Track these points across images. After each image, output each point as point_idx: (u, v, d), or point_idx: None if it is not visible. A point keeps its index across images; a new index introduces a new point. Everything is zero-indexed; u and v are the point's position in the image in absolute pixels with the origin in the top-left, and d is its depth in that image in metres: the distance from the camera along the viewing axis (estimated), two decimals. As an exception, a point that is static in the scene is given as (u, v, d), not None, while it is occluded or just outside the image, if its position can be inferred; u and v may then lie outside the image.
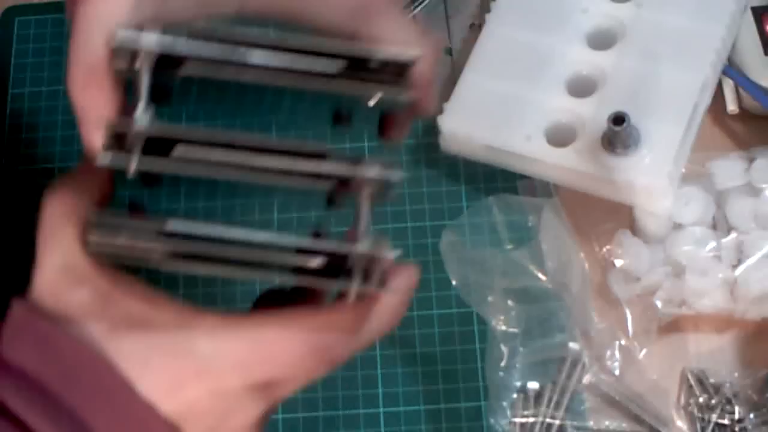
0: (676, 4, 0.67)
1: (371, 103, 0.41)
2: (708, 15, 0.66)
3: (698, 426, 0.61)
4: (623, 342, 0.63)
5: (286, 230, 0.40)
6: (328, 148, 0.40)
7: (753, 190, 0.65)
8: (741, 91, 0.68)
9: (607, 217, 0.66)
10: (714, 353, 0.64)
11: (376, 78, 0.41)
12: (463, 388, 0.64)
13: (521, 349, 0.63)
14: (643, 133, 0.62)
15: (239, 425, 0.40)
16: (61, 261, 0.39)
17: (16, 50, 0.77)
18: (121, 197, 0.42)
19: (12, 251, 0.70)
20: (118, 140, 0.39)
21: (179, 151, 0.39)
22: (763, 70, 0.67)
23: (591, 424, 0.62)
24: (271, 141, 0.40)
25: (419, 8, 0.75)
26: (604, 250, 0.66)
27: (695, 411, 0.62)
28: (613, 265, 0.65)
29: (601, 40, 0.68)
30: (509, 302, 0.64)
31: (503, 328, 0.63)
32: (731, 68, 0.67)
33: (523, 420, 0.62)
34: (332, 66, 0.41)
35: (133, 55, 0.40)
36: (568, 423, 0.62)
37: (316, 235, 0.41)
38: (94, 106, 0.40)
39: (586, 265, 0.65)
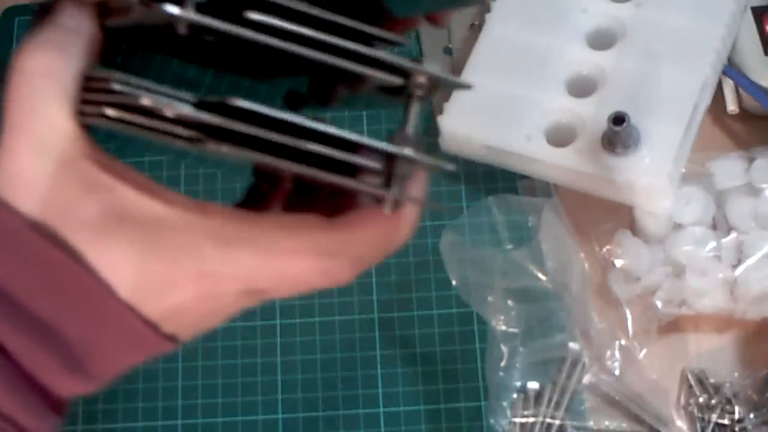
0: (676, 4, 0.67)
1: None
2: (708, 15, 0.66)
3: (698, 426, 0.61)
4: (623, 342, 0.63)
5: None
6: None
7: (753, 190, 0.65)
8: (741, 91, 0.68)
9: (607, 217, 0.66)
10: (714, 353, 0.64)
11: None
12: (463, 388, 0.64)
13: (521, 349, 0.63)
14: (643, 133, 0.62)
15: (218, 319, 0.37)
16: (42, 142, 0.33)
17: (15, 50, 0.77)
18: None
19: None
20: None
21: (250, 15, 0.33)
22: (763, 70, 0.67)
23: (591, 424, 0.62)
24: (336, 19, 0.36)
25: (419, 8, 0.75)
26: (604, 250, 0.66)
27: (695, 411, 0.62)
28: (613, 265, 0.65)
29: (601, 40, 0.68)
30: (509, 302, 0.64)
31: (503, 328, 0.63)
32: (731, 68, 0.67)
33: (523, 420, 0.62)
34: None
35: None
36: (568, 423, 0.62)
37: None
38: None
39: (586, 265, 0.65)
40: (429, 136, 0.71)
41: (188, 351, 0.67)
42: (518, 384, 0.63)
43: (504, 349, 0.63)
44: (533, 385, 0.63)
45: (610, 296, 0.64)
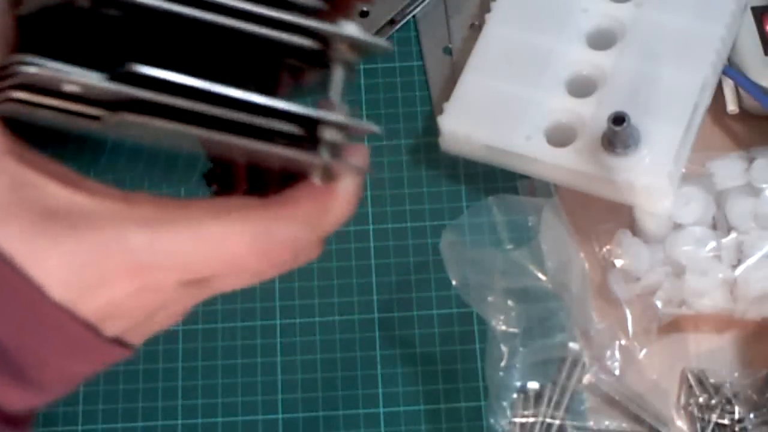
0: (676, 4, 0.67)
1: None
2: (708, 15, 0.66)
3: (698, 426, 0.61)
4: (623, 342, 0.63)
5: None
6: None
7: (753, 190, 0.65)
8: (741, 91, 0.68)
9: (607, 217, 0.66)
10: (714, 353, 0.64)
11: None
12: (463, 388, 0.64)
13: (521, 349, 0.63)
14: (643, 133, 0.62)
15: (168, 317, 0.36)
16: None
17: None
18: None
19: None
20: None
21: None
22: (763, 70, 0.67)
23: (591, 424, 0.62)
24: None
25: (419, 8, 0.75)
26: (604, 250, 0.65)
27: (695, 411, 0.62)
28: (613, 265, 0.65)
29: (601, 40, 0.68)
30: (509, 302, 0.63)
31: (503, 328, 0.63)
32: (731, 68, 0.67)
33: (523, 420, 0.62)
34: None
35: None
36: (568, 423, 0.62)
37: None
38: None
39: (586, 265, 0.65)
40: (429, 136, 0.71)
41: (188, 351, 0.67)
42: (518, 384, 0.63)
43: (504, 349, 0.63)
44: (533, 385, 0.63)
45: (610, 296, 0.64)
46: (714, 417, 0.61)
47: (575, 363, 0.63)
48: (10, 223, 0.32)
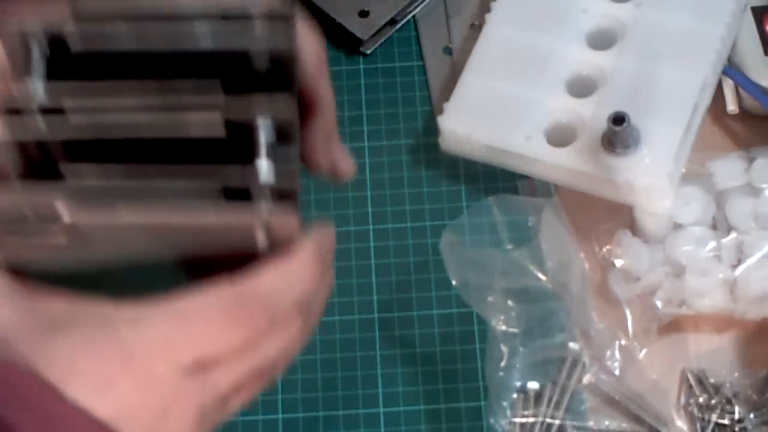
0: (676, 4, 0.67)
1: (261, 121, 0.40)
2: (708, 15, 0.66)
3: (698, 426, 0.61)
4: (623, 342, 0.63)
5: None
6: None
7: (753, 190, 0.65)
8: (741, 91, 0.68)
9: (607, 217, 0.66)
10: (714, 353, 0.64)
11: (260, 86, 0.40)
12: (463, 388, 0.64)
13: (521, 349, 0.63)
14: (643, 133, 0.62)
15: (181, 420, 0.38)
16: None
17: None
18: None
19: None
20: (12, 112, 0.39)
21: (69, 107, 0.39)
22: (763, 70, 0.67)
23: (591, 424, 0.62)
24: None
25: (419, 8, 0.75)
26: (604, 250, 0.65)
27: (695, 411, 0.62)
28: (613, 265, 0.65)
29: (601, 40, 0.68)
30: (509, 302, 0.63)
31: (503, 328, 0.63)
32: (731, 68, 0.67)
33: (523, 420, 0.62)
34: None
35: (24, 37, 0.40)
36: (568, 423, 0.62)
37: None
38: None
39: (586, 265, 0.65)
40: (429, 136, 0.71)
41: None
42: (518, 384, 0.63)
43: (504, 349, 0.63)
44: (533, 385, 0.63)
45: (610, 296, 0.64)
46: (714, 417, 0.61)
47: (575, 363, 0.63)
48: (27, 341, 0.37)
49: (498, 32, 0.69)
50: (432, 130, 0.69)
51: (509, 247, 0.65)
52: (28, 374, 0.36)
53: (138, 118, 0.39)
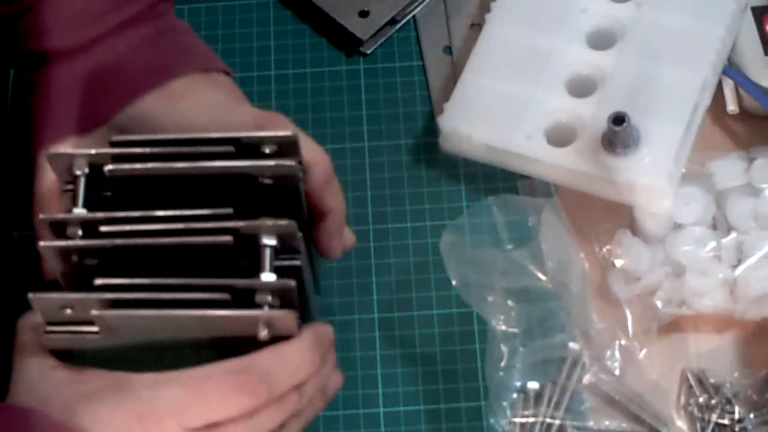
0: (676, 4, 0.67)
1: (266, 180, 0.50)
2: (708, 15, 0.66)
3: (698, 426, 0.61)
4: (623, 342, 0.63)
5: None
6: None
7: (753, 190, 0.65)
8: (741, 91, 0.68)
9: (607, 217, 0.66)
10: (714, 353, 0.64)
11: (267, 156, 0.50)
12: (463, 388, 0.64)
13: (521, 349, 0.63)
14: (643, 133, 0.62)
15: None
16: (36, 377, 0.49)
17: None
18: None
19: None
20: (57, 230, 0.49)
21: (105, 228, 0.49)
22: (763, 70, 0.67)
23: (591, 424, 0.62)
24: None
25: (419, 8, 0.75)
26: (604, 250, 0.66)
27: (695, 411, 0.62)
28: (613, 265, 0.65)
29: (601, 40, 0.68)
30: (509, 302, 0.63)
31: (503, 328, 0.63)
32: (731, 68, 0.67)
33: (523, 420, 0.62)
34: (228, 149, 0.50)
35: (70, 165, 0.50)
36: (568, 423, 0.62)
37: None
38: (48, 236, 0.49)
39: (586, 265, 0.65)
40: (429, 136, 0.71)
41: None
42: (518, 384, 0.63)
43: (504, 349, 0.63)
44: (533, 385, 0.63)
45: (610, 296, 0.64)
46: (714, 417, 0.61)
47: (575, 363, 0.63)
48: (63, 401, 0.47)
49: (498, 32, 0.69)
50: (432, 130, 0.69)
51: (509, 247, 0.65)
52: (63, 424, 0.46)
53: (162, 241, 0.48)
